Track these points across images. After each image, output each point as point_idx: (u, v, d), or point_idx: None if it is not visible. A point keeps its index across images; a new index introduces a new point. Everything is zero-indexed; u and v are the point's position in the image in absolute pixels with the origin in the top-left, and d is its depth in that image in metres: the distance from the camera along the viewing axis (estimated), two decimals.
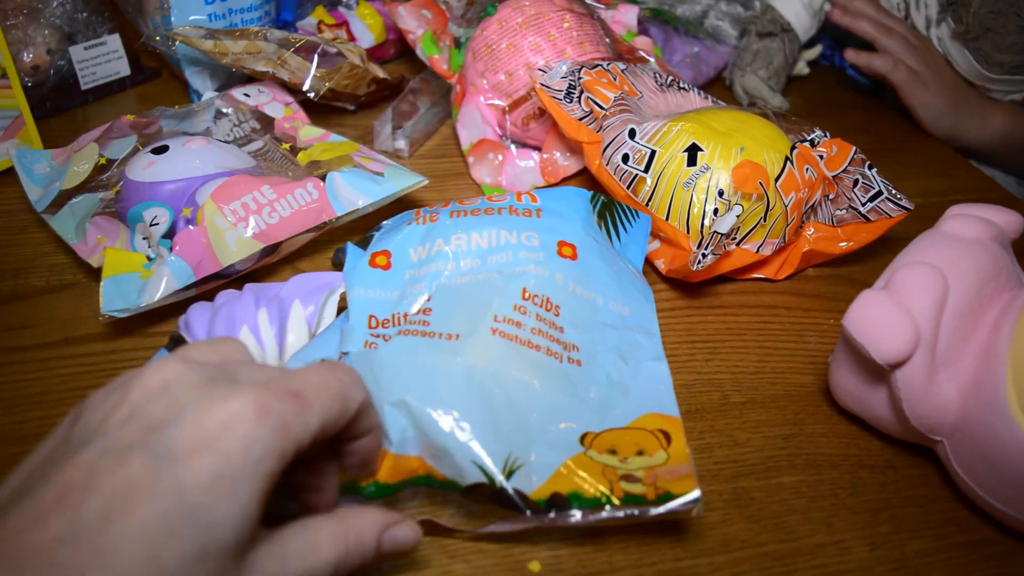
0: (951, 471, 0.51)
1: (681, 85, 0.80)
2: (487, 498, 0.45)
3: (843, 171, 0.71)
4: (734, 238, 0.67)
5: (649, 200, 0.68)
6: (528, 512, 0.44)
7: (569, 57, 0.79)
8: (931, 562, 0.49)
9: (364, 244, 0.60)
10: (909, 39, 0.99)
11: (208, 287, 0.62)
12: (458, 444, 0.45)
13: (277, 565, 0.36)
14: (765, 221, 0.66)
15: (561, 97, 0.75)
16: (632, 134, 0.69)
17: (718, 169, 0.66)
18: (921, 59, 0.98)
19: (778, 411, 0.58)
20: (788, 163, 0.67)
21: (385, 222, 0.63)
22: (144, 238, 0.64)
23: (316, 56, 0.81)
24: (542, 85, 0.75)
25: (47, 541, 0.30)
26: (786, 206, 0.66)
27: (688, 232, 0.67)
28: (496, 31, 0.80)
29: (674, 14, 1.05)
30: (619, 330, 0.56)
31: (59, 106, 0.91)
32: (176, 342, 0.54)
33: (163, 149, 0.67)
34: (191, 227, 0.61)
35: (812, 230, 0.71)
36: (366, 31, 1.00)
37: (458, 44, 0.87)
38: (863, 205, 0.71)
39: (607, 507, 0.44)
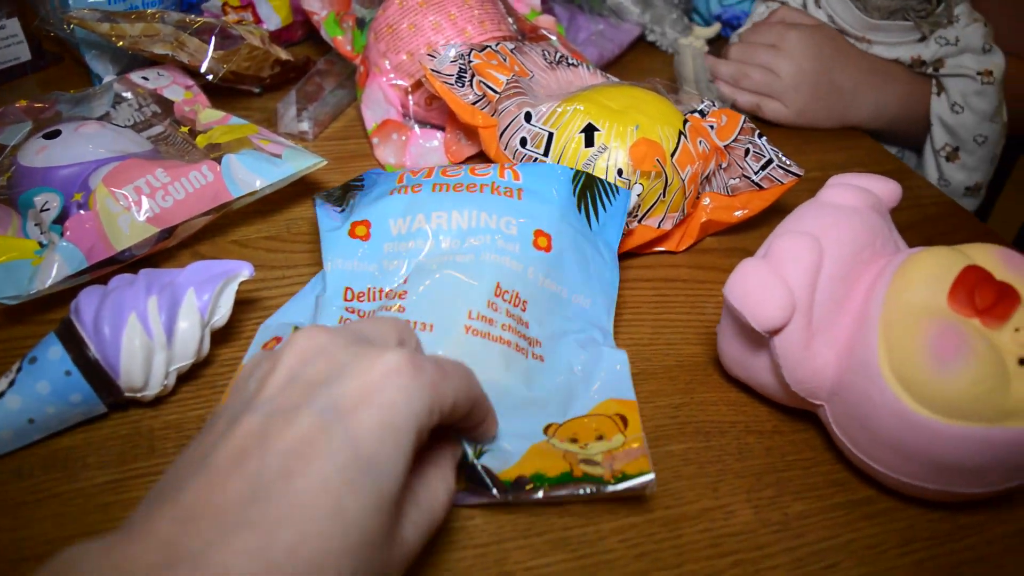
0: (832, 434, 0.53)
1: (570, 61, 0.80)
2: (462, 472, 0.47)
3: (733, 140, 0.72)
4: (636, 215, 0.68)
5: None
6: (494, 490, 0.47)
7: (470, 36, 0.79)
8: (813, 522, 0.51)
9: (339, 200, 0.61)
10: (773, 63, 0.93)
11: (103, 272, 0.61)
12: None
13: (417, 514, 0.39)
14: (664, 197, 0.67)
15: (452, 82, 0.75)
16: (528, 117, 0.69)
17: (615, 148, 0.66)
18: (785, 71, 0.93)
19: (670, 381, 0.59)
20: (682, 137, 0.68)
21: (364, 177, 0.65)
22: (36, 224, 0.63)
23: (214, 37, 0.81)
24: (432, 71, 0.75)
25: (233, 501, 0.31)
26: (683, 180, 0.67)
27: None
28: (397, 11, 0.80)
29: None
30: (578, 323, 0.58)
31: None
32: (67, 327, 0.53)
33: (56, 134, 0.66)
34: (83, 212, 0.60)
35: (708, 200, 0.72)
36: (272, 13, 0.99)
37: (361, 25, 0.86)
38: (755, 173, 0.72)
39: (568, 484, 0.47)
